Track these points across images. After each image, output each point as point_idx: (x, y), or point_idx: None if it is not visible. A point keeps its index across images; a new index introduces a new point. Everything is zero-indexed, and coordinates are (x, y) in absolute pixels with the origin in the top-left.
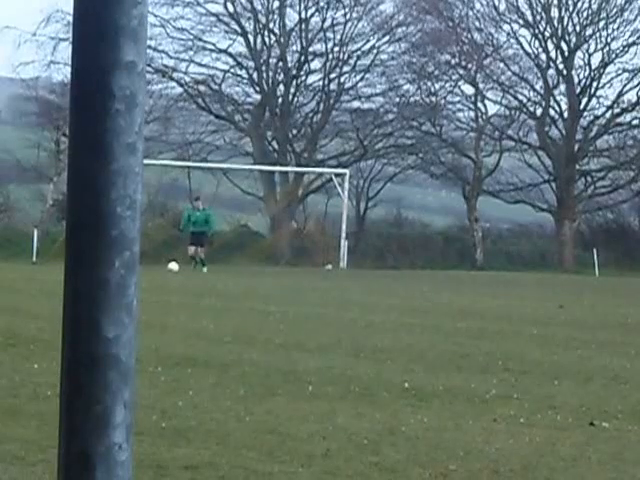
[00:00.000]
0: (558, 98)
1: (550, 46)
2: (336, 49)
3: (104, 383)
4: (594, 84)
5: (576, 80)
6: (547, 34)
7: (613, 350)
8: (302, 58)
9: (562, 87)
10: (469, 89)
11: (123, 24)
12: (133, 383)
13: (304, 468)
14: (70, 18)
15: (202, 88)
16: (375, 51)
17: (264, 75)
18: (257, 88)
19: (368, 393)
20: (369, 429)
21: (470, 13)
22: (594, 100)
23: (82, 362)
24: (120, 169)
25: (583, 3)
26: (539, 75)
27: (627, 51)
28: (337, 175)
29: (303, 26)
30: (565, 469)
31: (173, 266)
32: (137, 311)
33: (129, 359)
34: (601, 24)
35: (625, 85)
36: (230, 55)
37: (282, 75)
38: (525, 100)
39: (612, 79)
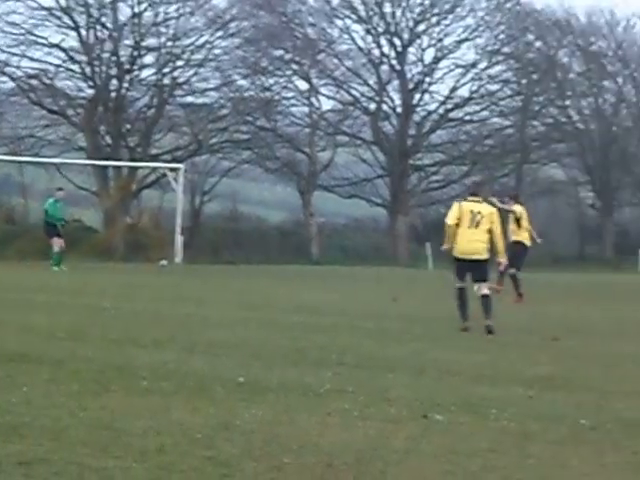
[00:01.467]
0: (391, 94)
1: (383, 42)
2: (169, 44)
3: None
4: (427, 80)
5: (409, 76)
6: (380, 30)
7: (445, 343)
8: (135, 53)
9: (395, 83)
10: (303, 84)
11: None
12: None
13: (138, 463)
14: None
15: (34, 82)
16: (208, 46)
17: (97, 70)
18: (90, 83)
19: (203, 388)
20: (203, 424)
21: (303, 8)
22: (427, 96)
23: None
24: None
25: None
26: (372, 71)
27: (459, 47)
28: (171, 170)
29: (136, 20)
30: (399, 462)
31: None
32: None
33: None
34: (433, 20)
35: (458, 81)
36: (62, 49)
37: (115, 70)
38: (359, 95)
39: (444, 75)
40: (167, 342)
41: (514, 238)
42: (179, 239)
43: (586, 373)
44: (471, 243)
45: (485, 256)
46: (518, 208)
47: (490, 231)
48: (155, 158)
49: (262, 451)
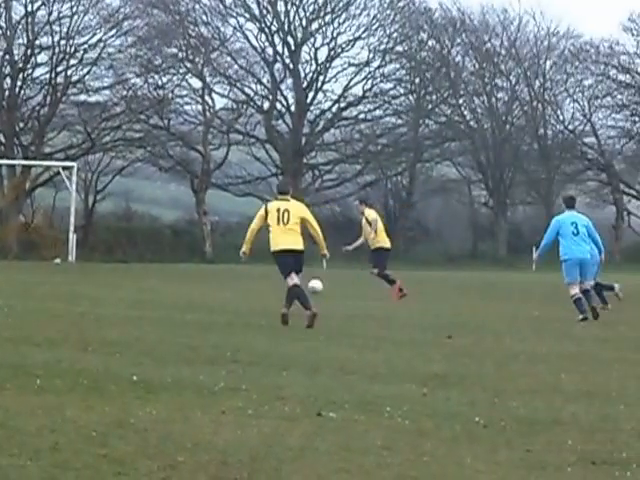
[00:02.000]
0: (285, 92)
1: (277, 40)
2: (63, 42)
3: None
4: (320, 78)
5: (303, 74)
6: (274, 28)
7: (340, 341)
8: (29, 51)
9: (289, 81)
10: (197, 82)
11: None
12: None
13: (32, 462)
14: None
15: None
16: (102, 44)
17: None
18: None
19: (97, 386)
20: (98, 422)
21: (197, 7)
22: (321, 94)
23: None
24: None
25: None
26: (266, 69)
27: (353, 45)
28: (65, 168)
29: (29, 19)
30: (293, 459)
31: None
32: None
33: None
34: (327, 18)
35: (351, 79)
36: None
37: (9, 68)
38: (252, 94)
39: (338, 73)
40: (61, 341)
41: (376, 245)
42: (72, 237)
43: (479, 371)
44: (286, 235)
45: (301, 247)
46: (371, 213)
47: (302, 225)
48: (48, 157)
49: (156, 449)
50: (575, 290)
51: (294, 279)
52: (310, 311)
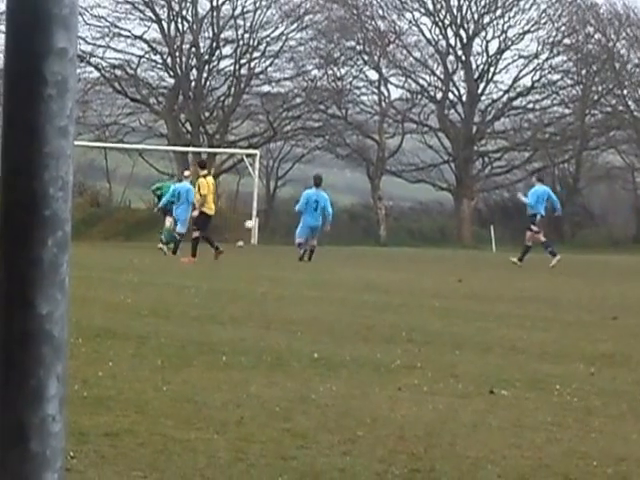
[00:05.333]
0: (457, 83)
1: (450, 33)
2: (246, 35)
3: (38, 358)
4: (491, 70)
5: (474, 66)
6: (447, 22)
7: (510, 322)
8: (214, 44)
9: (461, 72)
10: (373, 74)
11: (55, 12)
12: (65, 357)
13: (219, 435)
14: None
15: (118, 72)
16: (284, 38)
17: (178, 60)
18: (171, 73)
19: (279, 363)
20: (281, 397)
21: (374, 1)
22: (491, 85)
23: (16, 338)
24: (53, 152)
25: None
26: (439, 61)
27: (522, 38)
28: (248, 156)
29: (215, 13)
30: (467, 435)
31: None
32: (69, 288)
33: (61, 334)
34: (498, 12)
35: (520, 71)
36: (145, 41)
37: (195, 60)
38: (426, 85)
39: (508, 65)
40: (245, 319)
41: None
42: (255, 222)
43: None
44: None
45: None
46: (202, 181)
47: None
48: (233, 144)
49: (337, 424)
50: None
51: None
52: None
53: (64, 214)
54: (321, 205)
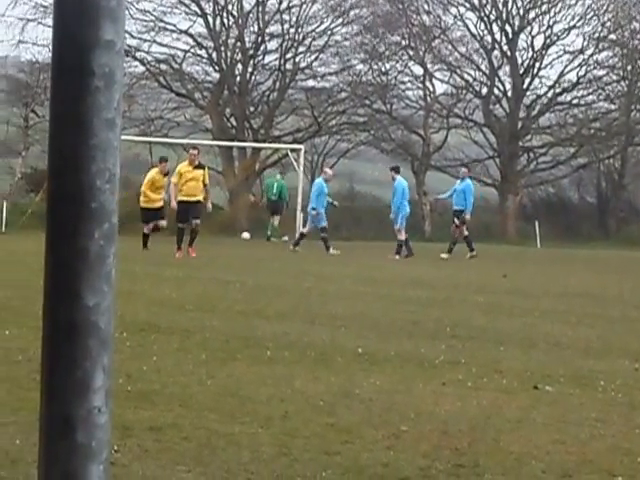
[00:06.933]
0: (502, 78)
1: (495, 28)
2: (292, 30)
3: (84, 349)
4: (536, 65)
5: (519, 61)
6: (492, 17)
7: (555, 318)
8: (259, 39)
9: (506, 68)
10: (418, 69)
11: (102, 4)
12: (111, 349)
13: (264, 429)
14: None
15: (163, 67)
16: (329, 32)
17: (223, 55)
18: (216, 67)
19: (323, 358)
20: (325, 392)
21: None
22: (536, 80)
23: (63, 329)
24: (100, 144)
25: None
26: (484, 56)
27: (568, 34)
28: (293, 150)
29: (260, 8)
30: (511, 430)
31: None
32: (115, 280)
33: (108, 326)
34: (544, 8)
35: (566, 66)
36: (190, 36)
37: (240, 55)
38: (471, 80)
39: (553, 60)
40: (289, 314)
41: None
42: (299, 216)
43: None
44: None
45: None
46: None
47: None
48: (277, 139)
49: (381, 419)
50: None
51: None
52: None
53: (111, 206)
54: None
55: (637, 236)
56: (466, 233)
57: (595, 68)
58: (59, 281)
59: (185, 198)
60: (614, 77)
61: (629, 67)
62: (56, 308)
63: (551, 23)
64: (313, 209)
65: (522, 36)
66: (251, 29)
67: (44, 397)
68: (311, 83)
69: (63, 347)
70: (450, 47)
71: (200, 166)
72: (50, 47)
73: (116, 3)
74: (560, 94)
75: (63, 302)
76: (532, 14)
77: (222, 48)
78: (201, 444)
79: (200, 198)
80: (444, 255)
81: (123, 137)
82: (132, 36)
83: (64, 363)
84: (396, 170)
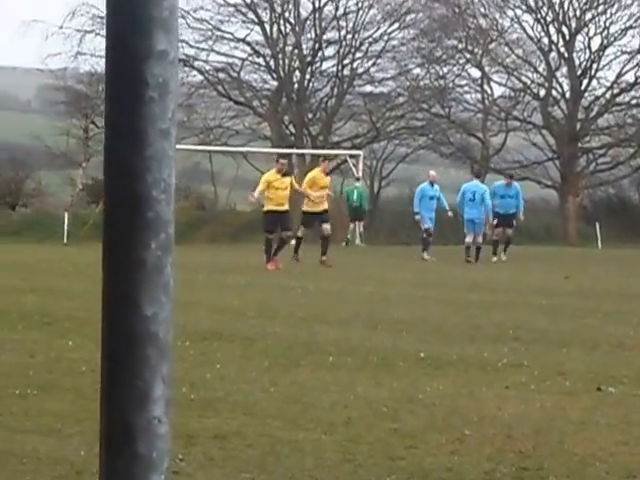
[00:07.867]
0: (560, 80)
1: (552, 30)
2: (349, 36)
3: (143, 359)
4: (594, 66)
5: (577, 62)
6: (549, 19)
7: (617, 319)
8: (316, 45)
9: (564, 69)
10: (475, 72)
11: (155, 15)
12: (171, 359)
13: (327, 435)
14: (95, 11)
15: (222, 76)
16: (386, 37)
17: (280, 62)
18: (274, 75)
19: (386, 363)
20: (388, 397)
21: (475, 0)
22: (594, 81)
23: (122, 339)
24: (155, 154)
25: None
26: (542, 58)
27: (625, 34)
28: (351, 156)
29: (317, 15)
30: (575, 432)
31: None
32: (173, 290)
33: (167, 336)
34: (600, 9)
35: (624, 67)
36: (248, 44)
37: (297, 62)
38: (529, 82)
39: (611, 61)
40: (351, 319)
41: None
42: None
43: None
44: None
45: None
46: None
47: None
48: (336, 145)
49: (444, 423)
50: None
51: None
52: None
53: (167, 216)
54: (479, 194)
55: None
56: (495, 237)
57: None
58: (117, 292)
59: (275, 208)
60: None
61: None
62: (114, 318)
63: (608, 24)
64: (416, 213)
65: (579, 37)
66: (308, 36)
67: (103, 407)
68: (369, 89)
69: (122, 357)
70: (507, 49)
71: (287, 174)
72: (104, 58)
73: (169, 13)
74: (618, 95)
75: (121, 312)
76: (589, 15)
77: (279, 55)
78: (265, 451)
79: (288, 208)
80: (503, 257)
81: (182, 146)
82: (190, 45)
83: (123, 373)
84: (511, 176)
